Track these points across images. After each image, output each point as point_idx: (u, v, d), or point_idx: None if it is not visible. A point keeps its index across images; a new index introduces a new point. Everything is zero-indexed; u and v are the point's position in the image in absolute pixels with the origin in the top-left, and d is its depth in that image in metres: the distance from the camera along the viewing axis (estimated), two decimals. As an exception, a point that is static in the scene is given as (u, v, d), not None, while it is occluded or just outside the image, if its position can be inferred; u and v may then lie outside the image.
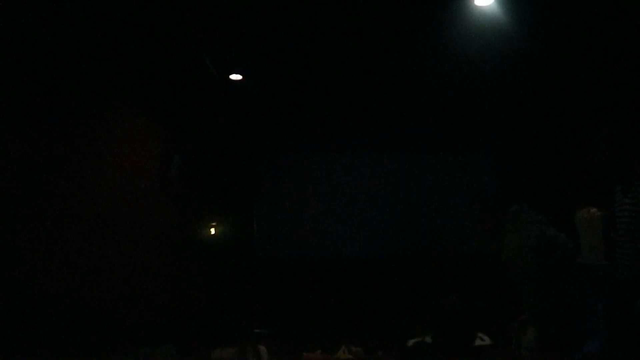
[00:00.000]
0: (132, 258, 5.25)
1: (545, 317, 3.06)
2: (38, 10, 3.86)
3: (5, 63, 3.73)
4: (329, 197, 7.65)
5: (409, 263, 7.25)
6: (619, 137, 3.02)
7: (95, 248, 4.78)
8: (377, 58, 5.81)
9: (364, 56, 5.77)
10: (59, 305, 4.01)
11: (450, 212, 7.36)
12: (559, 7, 4.71)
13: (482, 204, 3.32)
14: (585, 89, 5.86)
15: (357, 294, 6.98)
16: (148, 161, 5.91)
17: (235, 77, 6.19)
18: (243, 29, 5.20)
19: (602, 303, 3.10)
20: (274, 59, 5.90)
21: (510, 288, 3.17)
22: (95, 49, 4.64)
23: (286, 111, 7.06)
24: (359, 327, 5.96)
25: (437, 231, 7.53)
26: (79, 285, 4.45)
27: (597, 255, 3.45)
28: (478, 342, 2.93)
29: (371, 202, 7.73)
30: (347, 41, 5.44)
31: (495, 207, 3.26)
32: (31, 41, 3.98)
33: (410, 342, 3.33)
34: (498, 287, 3.43)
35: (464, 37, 5.05)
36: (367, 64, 5.96)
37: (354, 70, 6.11)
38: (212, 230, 6.85)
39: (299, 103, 6.93)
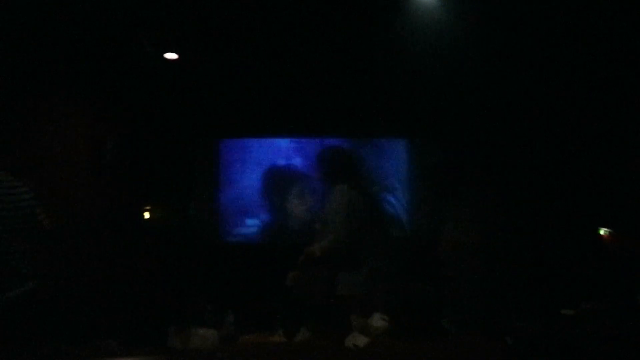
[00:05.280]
0: (65, 249, 4.74)
1: None
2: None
3: None
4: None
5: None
6: None
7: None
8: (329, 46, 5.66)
9: (307, 35, 5.61)
10: None
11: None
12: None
13: None
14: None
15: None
16: (78, 147, 5.39)
17: (171, 55, 5.83)
18: (179, 6, 4.89)
19: None
20: (213, 37, 5.60)
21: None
22: (15, 26, 4.16)
23: (228, 93, 6.75)
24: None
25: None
26: None
27: None
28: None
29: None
30: (291, 22, 5.26)
31: None
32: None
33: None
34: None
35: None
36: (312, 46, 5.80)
37: (296, 50, 5.92)
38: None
39: (239, 85, 6.65)
